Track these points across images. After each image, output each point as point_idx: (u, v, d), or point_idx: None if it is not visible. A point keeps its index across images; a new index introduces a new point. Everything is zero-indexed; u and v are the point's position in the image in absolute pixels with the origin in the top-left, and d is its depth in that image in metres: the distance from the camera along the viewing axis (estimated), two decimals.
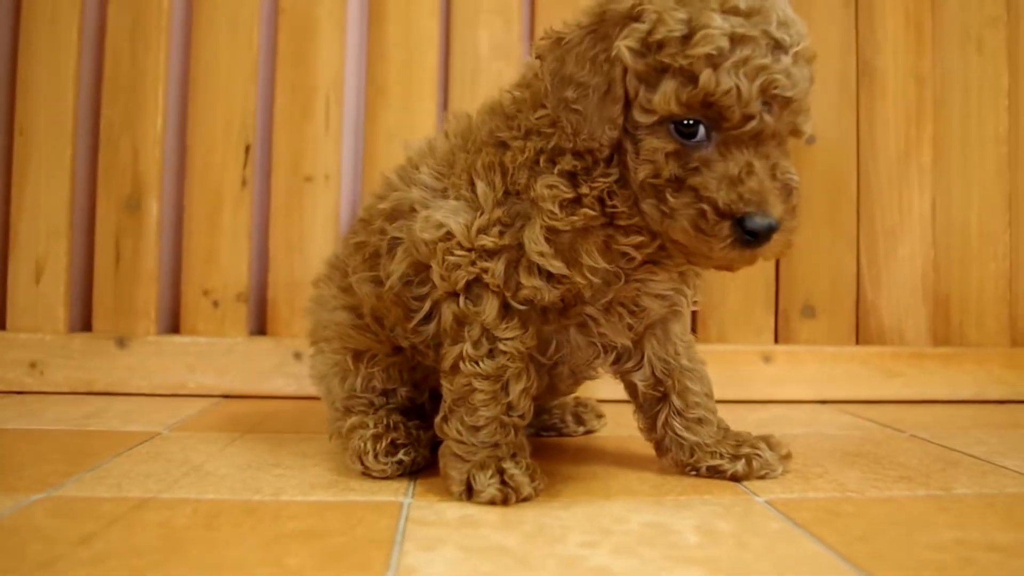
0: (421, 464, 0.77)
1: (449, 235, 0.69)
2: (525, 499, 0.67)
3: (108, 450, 0.84)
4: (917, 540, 0.59)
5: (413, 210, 0.73)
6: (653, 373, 0.78)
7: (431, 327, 0.74)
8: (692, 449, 0.77)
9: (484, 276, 0.68)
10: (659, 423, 0.78)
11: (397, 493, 0.70)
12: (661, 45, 0.61)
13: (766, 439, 0.79)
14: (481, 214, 0.68)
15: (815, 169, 1.32)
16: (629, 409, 0.84)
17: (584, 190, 0.66)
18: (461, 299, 0.69)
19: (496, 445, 0.69)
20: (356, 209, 1.33)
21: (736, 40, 0.59)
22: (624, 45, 0.62)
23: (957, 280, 1.34)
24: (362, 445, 0.75)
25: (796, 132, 0.64)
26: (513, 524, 0.62)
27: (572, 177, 0.67)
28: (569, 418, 0.98)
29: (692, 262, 0.67)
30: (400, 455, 0.75)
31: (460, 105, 1.29)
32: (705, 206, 0.60)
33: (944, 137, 1.34)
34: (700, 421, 0.77)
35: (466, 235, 0.68)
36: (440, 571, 0.52)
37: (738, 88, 0.59)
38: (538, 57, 0.68)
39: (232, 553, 0.55)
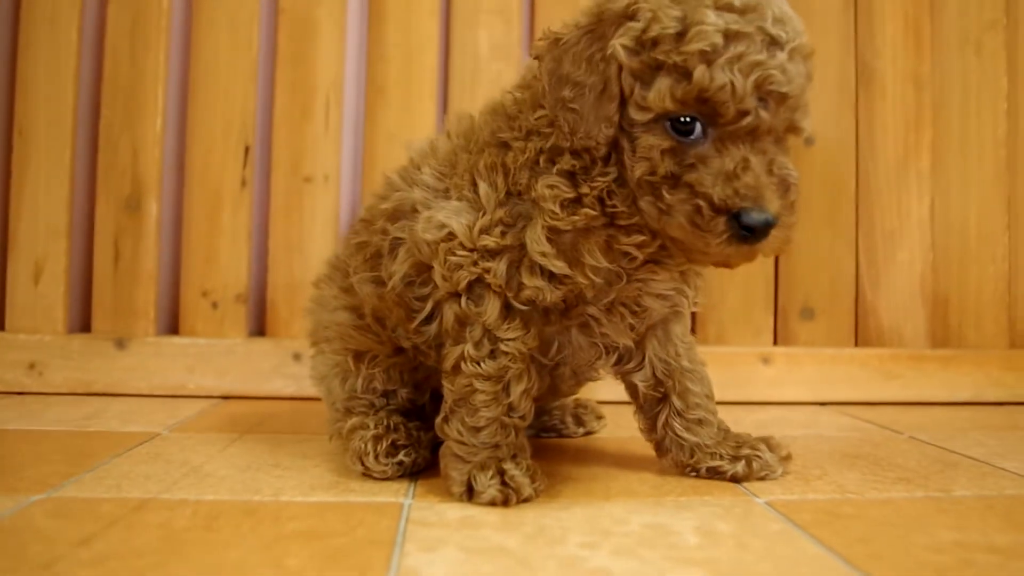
0: (422, 465, 0.77)
1: (451, 235, 0.69)
2: (525, 500, 0.67)
3: (107, 451, 0.84)
4: (916, 542, 0.59)
5: (415, 210, 0.73)
6: (654, 374, 0.78)
7: (433, 327, 0.74)
8: (692, 450, 0.77)
9: (486, 276, 0.68)
10: (659, 424, 0.78)
11: (397, 494, 0.70)
12: (656, 42, 0.61)
13: (766, 440, 0.79)
14: (483, 214, 0.68)
15: (814, 171, 1.32)
16: (629, 410, 0.84)
17: (584, 189, 0.66)
18: (463, 299, 0.69)
19: (497, 446, 0.69)
20: (356, 210, 1.33)
21: (731, 36, 0.59)
22: (619, 43, 0.62)
23: (956, 282, 1.34)
24: (363, 446, 0.75)
25: (794, 129, 0.64)
26: (514, 525, 0.62)
27: (572, 177, 0.67)
28: (569, 419, 0.98)
29: (690, 259, 0.67)
30: (401, 456, 0.75)
31: (460, 106, 1.29)
32: (701, 202, 0.60)
33: (943, 140, 1.35)
34: (700, 422, 0.77)
35: (468, 235, 0.68)
36: (441, 572, 0.52)
37: (732, 84, 0.59)
38: (536, 58, 0.68)
39: (232, 554, 0.55)
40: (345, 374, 0.82)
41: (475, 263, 0.68)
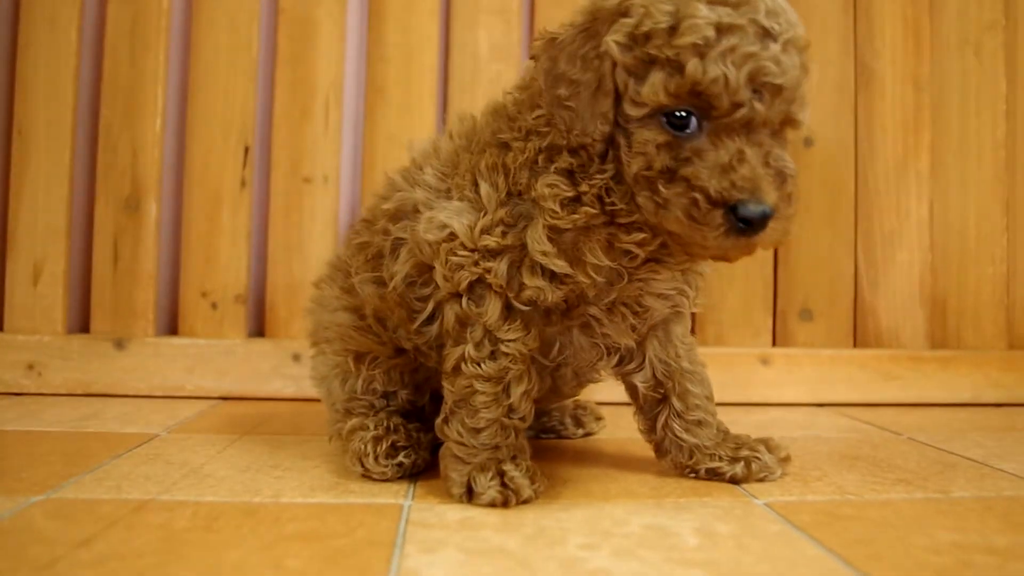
0: (421, 467, 0.77)
1: (452, 236, 0.69)
2: (525, 501, 0.67)
3: (107, 452, 0.84)
4: (915, 543, 0.60)
5: (417, 211, 0.73)
6: (654, 375, 0.78)
7: (434, 328, 0.74)
8: (691, 451, 0.77)
9: (487, 276, 0.68)
10: (659, 425, 0.78)
11: (397, 495, 0.70)
12: (648, 37, 0.61)
13: (765, 442, 0.79)
14: (484, 215, 0.68)
15: (814, 172, 1.33)
16: (628, 412, 0.84)
17: (583, 188, 0.66)
18: (464, 300, 0.69)
19: (497, 447, 0.69)
20: (355, 210, 1.34)
21: (723, 30, 0.59)
22: (612, 40, 0.62)
23: (955, 284, 1.35)
24: (362, 447, 0.75)
25: (791, 121, 0.64)
26: (513, 526, 0.62)
27: (571, 175, 0.67)
28: (568, 420, 0.99)
29: (689, 252, 0.67)
30: (400, 457, 0.75)
31: (459, 106, 1.29)
32: (697, 195, 0.60)
33: (942, 141, 1.35)
34: (700, 423, 0.77)
35: (469, 236, 0.68)
36: (441, 573, 0.52)
37: (726, 76, 0.59)
38: (533, 57, 0.69)
39: (232, 555, 0.55)
40: (345, 375, 0.82)
41: (476, 263, 0.68)
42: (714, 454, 0.77)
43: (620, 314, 0.72)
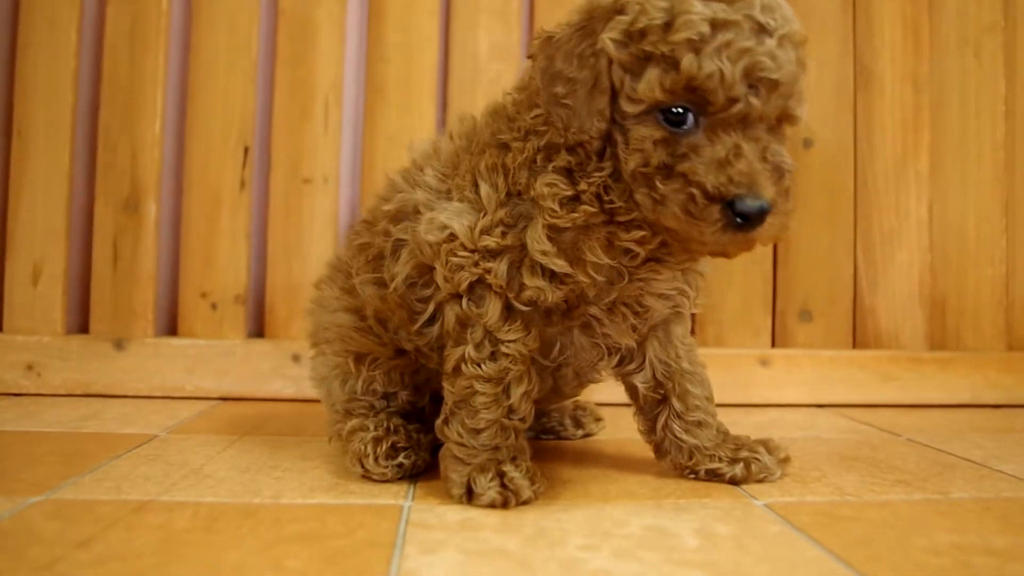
0: (421, 468, 0.77)
1: (452, 236, 0.69)
2: (525, 502, 0.67)
3: (106, 452, 0.84)
4: (915, 544, 0.60)
5: (417, 212, 0.73)
6: (654, 375, 0.78)
7: (435, 329, 0.74)
8: (691, 452, 0.77)
9: (487, 277, 0.68)
10: (659, 425, 0.78)
11: (397, 496, 0.70)
12: (643, 33, 0.61)
13: (765, 443, 0.79)
14: (484, 215, 0.68)
15: (813, 172, 1.33)
16: (627, 412, 0.84)
17: (582, 186, 0.66)
18: (464, 300, 0.69)
19: (497, 448, 0.69)
20: (355, 211, 1.34)
21: (718, 25, 0.59)
22: (608, 37, 0.63)
23: (954, 285, 1.35)
24: (362, 448, 0.75)
25: (789, 117, 0.64)
26: (513, 527, 0.62)
27: (569, 174, 0.67)
28: (568, 421, 0.99)
29: (687, 249, 0.67)
30: (400, 458, 0.75)
31: (459, 106, 1.29)
32: (694, 190, 0.60)
33: (942, 142, 1.35)
34: (700, 424, 0.77)
35: (469, 236, 0.68)
36: (441, 574, 0.52)
37: (721, 71, 0.59)
38: (530, 57, 0.69)
39: (232, 556, 0.55)
40: (345, 376, 0.82)
41: (476, 264, 0.68)
42: (714, 455, 0.77)
43: (621, 314, 0.72)
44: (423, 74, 1.29)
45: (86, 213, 1.28)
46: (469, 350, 0.69)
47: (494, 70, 1.30)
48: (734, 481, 0.76)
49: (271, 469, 0.79)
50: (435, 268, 0.70)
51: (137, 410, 1.11)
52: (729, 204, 0.59)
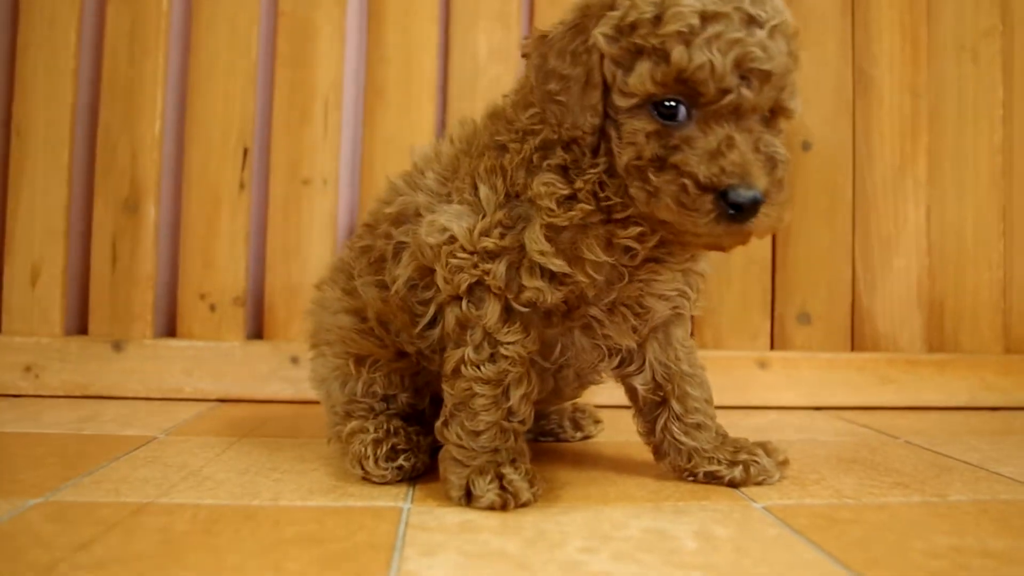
0: (421, 470, 0.77)
1: (452, 239, 0.69)
2: (524, 504, 0.67)
3: (105, 454, 0.84)
4: (913, 546, 0.60)
5: (419, 214, 0.73)
6: (654, 377, 0.78)
7: (436, 332, 0.74)
8: (690, 454, 0.77)
9: (486, 278, 0.68)
10: (658, 427, 0.78)
11: (396, 498, 0.70)
12: (634, 27, 0.62)
13: (763, 445, 0.79)
14: (483, 217, 0.69)
15: (811, 177, 1.33)
16: (626, 415, 0.84)
17: (579, 184, 0.66)
18: (464, 302, 0.69)
19: (496, 450, 0.69)
20: (354, 213, 1.34)
21: (708, 17, 0.60)
22: (599, 32, 0.63)
23: (952, 288, 1.35)
24: (362, 450, 0.75)
25: (783, 110, 0.64)
26: (513, 529, 0.62)
27: (565, 172, 0.67)
28: (567, 423, 0.99)
29: (682, 243, 0.67)
30: (400, 460, 0.75)
31: (458, 109, 1.30)
32: (686, 180, 0.60)
33: (939, 147, 1.35)
34: (699, 427, 0.78)
35: (468, 238, 0.68)
36: None
37: (711, 63, 0.59)
38: (524, 55, 0.69)
39: (232, 558, 0.55)
40: (345, 377, 0.82)
41: (475, 265, 0.68)
42: (713, 457, 0.77)
43: (621, 315, 0.72)
44: (423, 76, 1.29)
45: (85, 214, 1.28)
46: (468, 352, 0.69)
47: (493, 72, 1.31)
48: (733, 484, 0.76)
49: (270, 471, 0.79)
50: (435, 270, 0.70)
51: (136, 412, 1.11)
52: (722, 195, 0.59)
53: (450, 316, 0.70)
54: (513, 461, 0.69)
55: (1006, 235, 1.36)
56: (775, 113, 0.64)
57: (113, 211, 1.26)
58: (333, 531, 0.61)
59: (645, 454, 0.82)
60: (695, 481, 0.77)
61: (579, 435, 0.99)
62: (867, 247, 1.34)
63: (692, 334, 1.18)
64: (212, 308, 1.26)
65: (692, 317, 0.81)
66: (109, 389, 1.22)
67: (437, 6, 1.30)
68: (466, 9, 1.31)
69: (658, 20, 0.61)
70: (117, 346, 1.23)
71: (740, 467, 0.76)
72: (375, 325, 0.80)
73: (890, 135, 1.34)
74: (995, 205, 1.35)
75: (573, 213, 0.66)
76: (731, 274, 1.31)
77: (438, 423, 0.72)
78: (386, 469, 0.74)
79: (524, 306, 0.69)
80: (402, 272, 0.74)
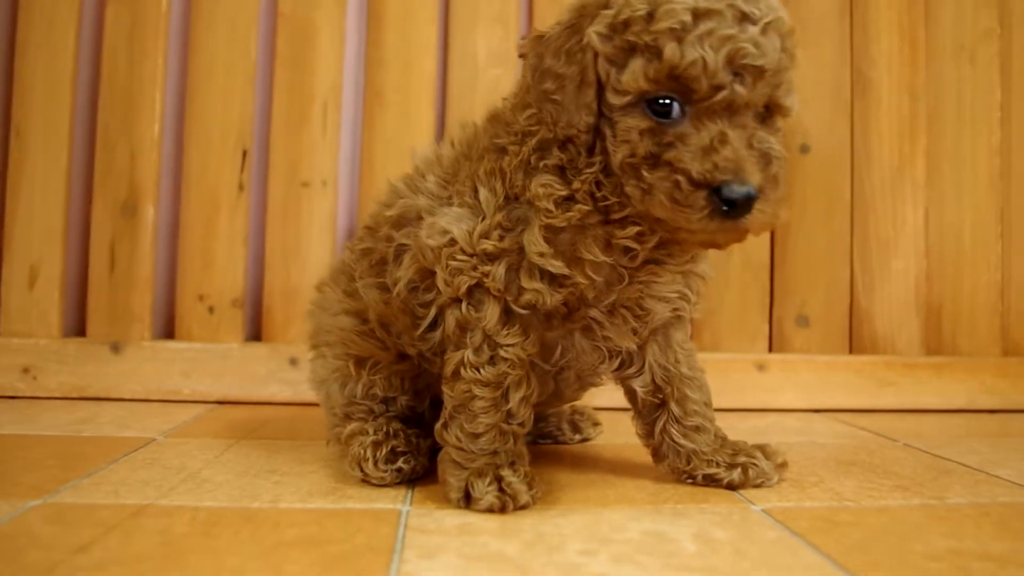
0: (420, 473, 0.77)
1: (453, 241, 0.69)
2: (523, 507, 0.67)
3: (104, 456, 0.84)
4: (912, 549, 0.60)
5: (420, 217, 0.74)
6: (653, 380, 0.78)
7: (437, 334, 0.74)
8: (689, 457, 0.77)
9: (485, 280, 0.68)
10: (657, 430, 0.78)
11: (395, 501, 0.70)
12: (627, 25, 0.62)
13: (762, 448, 0.79)
14: (483, 219, 0.69)
15: (810, 179, 1.33)
16: (625, 417, 0.84)
17: (576, 185, 0.67)
18: (463, 305, 0.69)
19: (495, 453, 0.69)
20: (353, 215, 1.34)
21: (700, 14, 0.60)
22: (593, 31, 0.64)
23: (950, 291, 1.35)
24: (362, 452, 0.75)
25: (778, 107, 0.64)
26: (512, 532, 0.62)
27: (562, 173, 0.67)
28: (565, 426, 0.99)
29: (678, 240, 0.67)
30: (400, 463, 0.75)
31: (458, 112, 1.30)
32: (679, 177, 0.60)
33: (937, 149, 1.36)
34: (698, 429, 0.78)
35: (468, 240, 0.69)
36: None
37: (704, 59, 0.59)
38: (521, 56, 0.69)
39: (232, 561, 0.55)
40: (345, 379, 0.82)
41: (475, 267, 0.68)
42: (711, 460, 0.77)
43: (621, 317, 0.72)
44: (422, 79, 1.30)
45: (84, 215, 1.28)
46: (468, 354, 0.69)
47: (493, 75, 1.31)
48: (732, 486, 0.76)
49: (269, 473, 0.79)
50: (436, 272, 0.71)
51: (134, 413, 1.11)
52: (715, 191, 0.59)
53: (450, 318, 0.70)
54: (512, 463, 0.69)
55: (1004, 237, 1.36)
56: (771, 111, 0.65)
57: (112, 212, 1.26)
58: (332, 533, 0.61)
59: (644, 457, 0.82)
60: (694, 483, 0.77)
61: (578, 437, 0.99)
62: (865, 249, 1.34)
63: (691, 337, 1.19)
64: (211, 310, 1.26)
65: (691, 320, 0.81)
66: (107, 391, 1.22)
67: (436, 8, 1.30)
68: (465, 11, 1.31)
69: (651, 17, 0.61)
70: (115, 348, 1.23)
71: (739, 469, 0.76)
72: (376, 327, 0.80)
73: (888, 137, 1.34)
74: (993, 207, 1.35)
75: (571, 214, 0.66)
76: (729, 276, 1.31)
77: (438, 425, 0.72)
78: (385, 471, 0.74)
79: (524, 308, 0.69)
80: (403, 274, 0.74)
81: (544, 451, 0.93)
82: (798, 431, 1.10)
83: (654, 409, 0.79)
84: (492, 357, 0.69)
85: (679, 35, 0.60)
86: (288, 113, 1.28)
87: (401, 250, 0.76)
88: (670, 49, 0.59)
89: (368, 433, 0.76)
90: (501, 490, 0.67)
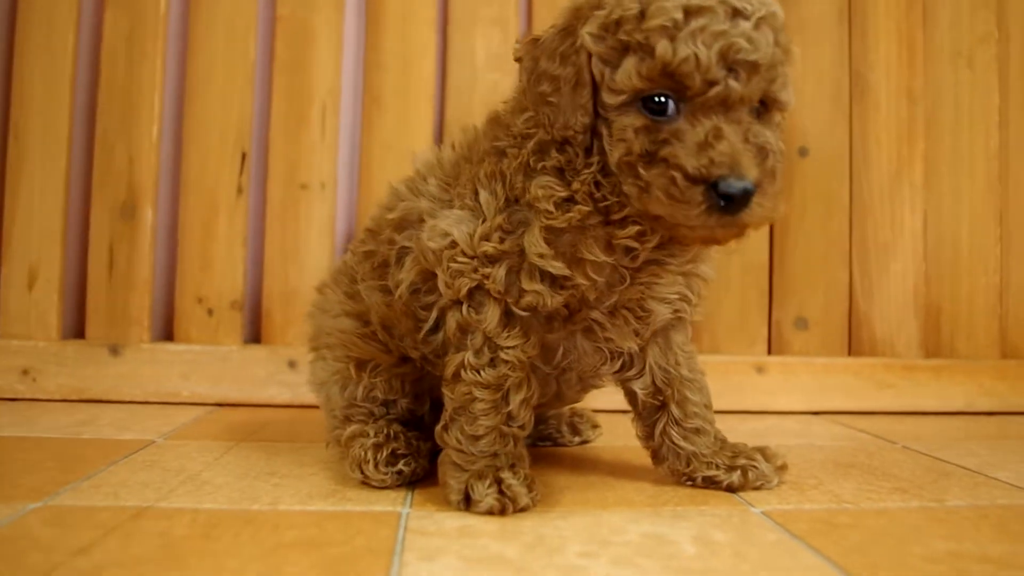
0: (420, 475, 0.77)
1: (453, 243, 0.69)
2: (523, 509, 0.67)
3: (103, 458, 0.84)
4: (912, 551, 0.60)
5: (421, 220, 0.74)
6: (653, 382, 0.78)
7: (439, 337, 0.74)
8: (689, 459, 0.77)
9: (486, 283, 0.68)
10: (657, 431, 0.79)
11: (395, 503, 0.70)
12: (619, 24, 0.62)
13: (762, 450, 0.79)
14: (483, 222, 0.69)
15: (808, 182, 1.34)
16: (624, 419, 0.84)
17: (575, 186, 0.67)
18: (464, 307, 0.69)
19: (495, 455, 0.69)
20: (352, 218, 1.34)
21: (692, 11, 0.60)
22: (586, 32, 0.64)
23: (948, 293, 1.36)
24: (363, 454, 0.75)
25: (775, 101, 0.64)
26: (512, 534, 0.62)
27: (561, 174, 0.68)
28: (565, 428, 0.99)
29: (678, 237, 0.66)
30: (400, 465, 0.75)
31: (456, 115, 1.30)
32: (675, 173, 0.60)
33: (936, 152, 1.36)
34: (697, 431, 0.78)
35: (469, 243, 0.69)
36: None
37: (696, 56, 0.59)
38: (517, 60, 0.70)
39: (231, 563, 0.55)
40: (345, 381, 0.82)
41: (475, 270, 0.69)
42: (711, 462, 0.77)
43: (623, 318, 0.72)
44: (420, 82, 1.30)
45: (82, 218, 1.28)
46: (468, 356, 0.69)
47: (491, 79, 1.31)
48: (731, 488, 0.76)
49: (268, 475, 0.79)
50: (437, 275, 0.71)
51: (133, 416, 1.11)
52: (712, 186, 0.59)
53: (451, 320, 0.70)
54: (512, 466, 0.69)
55: (1002, 240, 1.36)
56: (767, 106, 0.64)
57: (110, 215, 1.26)
58: (332, 535, 0.61)
59: (643, 459, 0.82)
60: (693, 486, 0.78)
61: (577, 440, 0.99)
62: (864, 252, 1.34)
63: (690, 339, 1.19)
64: (209, 312, 1.26)
65: (691, 322, 0.81)
66: (106, 393, 1.21)
67: (435, 11, 1.31)
68: (464, 15, 1.31)
69: (642, 16, 0.61)
70: (114, 350, 1.23)
71: (738, 472, 0.76)
72: (379, 330, 0.80)
73: (887, 140, 1.35)
74: (991, 210, 1.36)
75: (571, 215, 0.67)
76: (729, 279, 1.32)
77: (438, 427, 0.72)
78: (386, 474, 0.74)
79: (524, 310, 0.69)
80: (405, 277, 0.74)
81: (543, 453, 0.93)
82: (797, 433, 1.10)
83: (654, 411, 0.79)
84: (492, 359, 0.69)
85: (671, 32, 0.60)
86: (287, 115, 1.28)
87: (403, 253, 0.76)
88: (662, 47, 0.60)
89: (369, 435, 0.76)
90: (501, 492, 0.67)
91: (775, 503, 0.72)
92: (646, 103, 0.62)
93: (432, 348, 0.76)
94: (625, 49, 0.62)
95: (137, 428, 1.02)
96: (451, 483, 0.69)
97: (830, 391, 1.29)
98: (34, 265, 1.24)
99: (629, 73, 0.61)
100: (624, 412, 0.84)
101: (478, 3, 1.31)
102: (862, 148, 1.35)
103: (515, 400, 0.69)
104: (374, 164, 1.29)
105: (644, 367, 0.78)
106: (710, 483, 0.77)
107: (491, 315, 0.69)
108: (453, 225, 0.70)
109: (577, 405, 0.97)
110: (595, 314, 0.72)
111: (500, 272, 0.68)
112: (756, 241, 1.32)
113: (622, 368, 0.78)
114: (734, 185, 0.59)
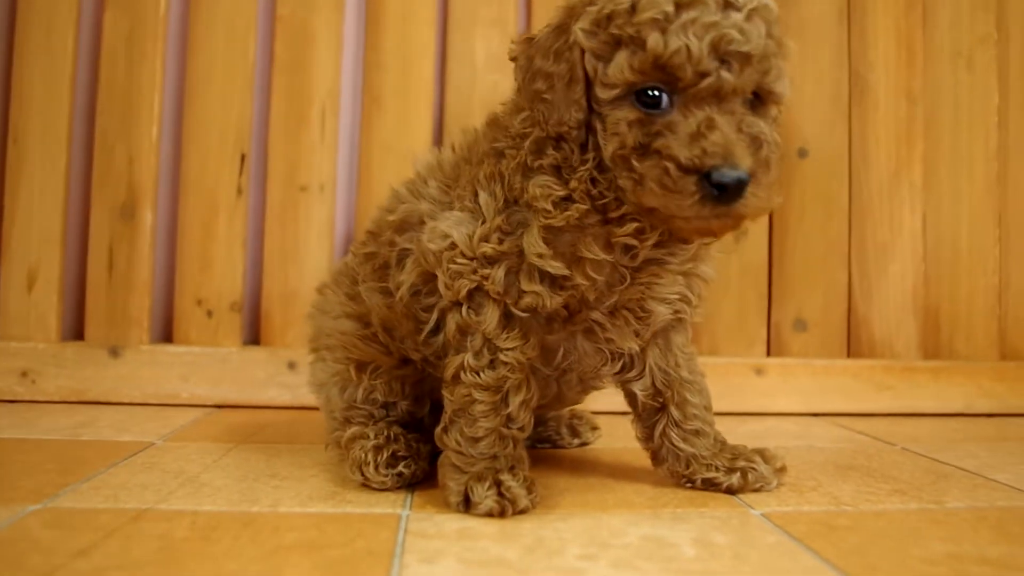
0: (420, 477, 0.77)
1: (453, 245, 0.70)
2: (522, 511, 0.67)
3: (103, 460, 0.84)
4: (911, 553, 0.60)
5: (422, 222, 0.74)
6: (653, 383, 0.78)
7: (440, 338, 0.74)
8: (688, 461, 0.78)
9: (485, 284, 0.68)
10: (656, 433, 0.79)
11: (395, 505, 0.70)
12: (611, 18, 0.63)
13: (761, 452, 0.79)
14: (483, 223, 0.69)
15: (807, 183, 1.34)
16: (624, 421, 0.84)
17: (573, 184, 0.67)
18: (464, 308, 0.69)
19: (495, 457, 0.69)
20: (351, 219, 1.34)
21: (683, 4, 0.60)
22: (579, 27, 0.64)
23: (947, 295, 1.36)
24: (363, 456, 0.75)
25: (769, 93, 0.64)
26: (512, 537, 0.62)
27: (558, 172, 0.68)
28: (564, 430, 0.99)
29: (674, 229, 0.66)
30: (400, 467, 0.75)
31: (456, 116, 1.30)
32: (668, 164, 0.60)
33: (935, 153, 1.36)
34: (697, 433, 0.78)
35: (468, 244, 0.69)
36: None
37: (687, 47, 0.59)
38: (512, 59, 0.70)
39: (231, 565, 0.55)
40: (345, 383, 0.82)
41: (475, 271, 0.69)
42: (711, 464, 0.77)
43: (623, 318, 0.72)
44: (420, 83, 1.30)
45: (82, 219, 1.28)
46: (468, 358, 0.69)
47: (491, 79, 1.31)
48: (731, 490, 0.76)
49: (268, 477, 0.79)
50: (437, 276, 0.71)
51: (132, 417, 1.11)
52: (706, 176, 0.59)
53: (451, 322, 0.70)
54: (512, 468, 0.69)
55: (1001, 241, 1.36)
56: (762, 99, 0.64)
57: (110, 216, 1.26)
58: (332, 538, 0.61)
59: (643, 461, 0.82)
60: (693, 488, 0.78)
61: (576, 441, 0.99)
62: (863, 253, 1.34)
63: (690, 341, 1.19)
64: (209, 314, 1.26)
65: (691, 324, 0.81)
66: (106, 395, 1.21)
67: (435, 12, 1.31)
68: (464, 16, 1.31)
69: (633, 10, 0.61)
70: (114, 352, 1.23)
71: (738, 474, 0.76)
72: (379, 331, 0.80)
73: (886, 141, 1.35)
74: (990, 211, 1.36)
75: (569, 213, 0.67)
76: (728, 280, 1.32)
77: (438, 429, 0.72)
78: (386, 476, 0.74)
79: (524, 311, 0.69)
80: (406, 278, 0.75)
81: (543, 455, 0.93)
82: (796, 435, 1.10)
83: (654, 413, 0.79)
84: (492, 361, 0.69)
85: (662, 25, 0.60)
86: (286, 117, 1.28)
87: (403, 254, 0.76)
88: (653, 39, 0.60)
89: (369, 437, 0.76)
90: (500, 494, 0.67)
91: (774, 505, 0.72)
92: (639, 96, 0.62)
93: (433, 350, 0.76)
94: (617, 43, 0.62)
95: (137, 430, 1.02)
96: (451, 485, 0.69)
97: (829, 393, 1.29)
98: (33, 266, 1.24)
99: (621, 67, 0.62)
100: (623, 414, 0.84)
101: (478, 3, 1.31)
102: (861, 149, 1.35)
103: (515, 402, 0.69)
104: (373, 165, 1.29)
105: (644, 368, 0.78)
106: (710, 485, 0.77)
107: (490, 316, 0.69)
108: (453, 227, 0.70)
109: (576, 407, 0.98)
110: (595, 315, 0.72)
111: (499, 273, 0.68)
112: (755, 242, 1.32)
113: (622, 369, 0.78)
114: (727, 174, 0.59)
